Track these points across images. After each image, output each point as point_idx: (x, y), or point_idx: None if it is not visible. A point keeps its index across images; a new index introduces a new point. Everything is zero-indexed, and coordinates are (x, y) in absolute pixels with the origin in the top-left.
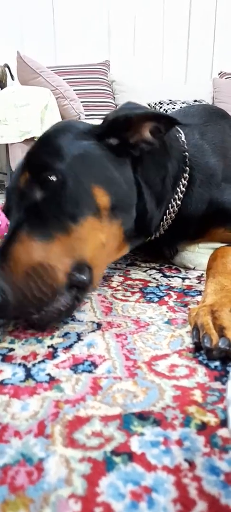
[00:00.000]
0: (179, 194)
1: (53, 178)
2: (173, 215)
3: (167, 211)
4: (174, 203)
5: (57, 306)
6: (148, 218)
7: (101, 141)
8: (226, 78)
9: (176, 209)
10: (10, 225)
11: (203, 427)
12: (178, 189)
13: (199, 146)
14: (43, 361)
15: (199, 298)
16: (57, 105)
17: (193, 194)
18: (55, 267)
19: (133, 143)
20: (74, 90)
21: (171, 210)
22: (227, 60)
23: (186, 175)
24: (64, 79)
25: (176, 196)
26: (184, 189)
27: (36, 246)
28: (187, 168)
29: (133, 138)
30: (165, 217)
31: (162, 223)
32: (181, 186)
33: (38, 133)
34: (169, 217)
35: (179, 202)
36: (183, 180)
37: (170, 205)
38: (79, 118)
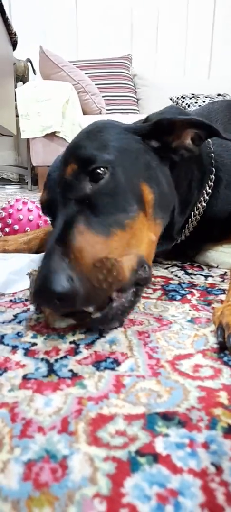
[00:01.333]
0: (205, 196)
1: (103, 170)
2: (199, 217)
3: (192, 213)
4: (199, 205)
5: (122, 302)
6: (171, 224)
7: (144, 141)
8: None
9: (202, 211)
10: (60, 217)
11: (229, 431)
12: (204, 191)
13: (224, 145)
14: (65, 356)
15: (222, 296)
16: (79, 100)
17: (219, 195)
18: (122, 262)
19: (174, 148)
20: (96, 84)
21: (196, 212)
22: None
23: (212, 176)
24: (85, 73)
25: (202, 198)
26: (210, 190)
27: (98, 240)
28: (213, 169)
29: (174, 143)
30: (190, 219)
31: (187, 225)
32: (207, 188)
33: (59, 128)
34: (194, 219)
35: (204, 204)
36: (209, 181)
37: (195, 207)
38: (100, 113)
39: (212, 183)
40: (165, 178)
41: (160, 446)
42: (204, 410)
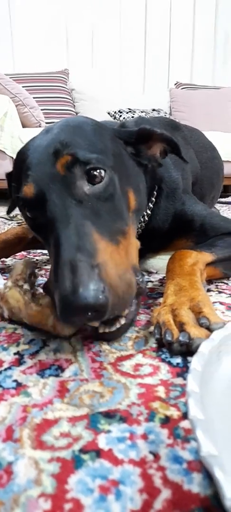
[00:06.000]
0: (150, 205)
1: (101, 173)
2: (143, 225)
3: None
4: (145, 213)
5: (129, 316)
6: None
7: (125, 146)
8: (181, 88)
9: (146, 218)
10: (66, 220)
11: (166, 421)
12: (150, 202)
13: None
14: (9, 368)
15: (161, 299)
16: (17, 113)
17: (160, 206)
18: (130, 271)
19: (148, 157)
20: (34, 97)
21: (142, 220)
22: (182, 71)
23: (156, 188)
24: (23, 86)
25: (147, 209)
26: (154, 200)
27: (113, 249)
28: (157, 181)
29: (148, 152)
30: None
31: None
32: (153, 199)
33: None
34: (139, 226)
35: (149, 212)
36: (154, 193)
37: (142, 217)
38: (40, 126)
39: (155, 193)
40: (141, 184)
41: (102, 442)
42: (144, 405)
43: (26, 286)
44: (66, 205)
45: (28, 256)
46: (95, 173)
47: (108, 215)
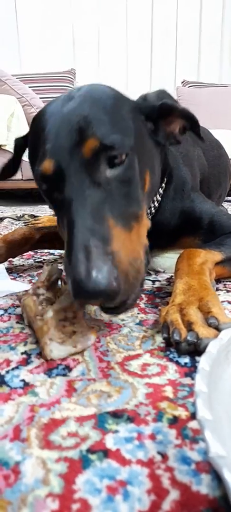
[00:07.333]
0: (160, 190)
1: (123, 157)
2: (150, 217)
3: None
4: (152, 205)
5: (133, 298)
6: None
7: (146, 122)
8: (188, 87)
9: (153, 210)
10: (82, 203)
11: (174, 421)
12: (159, 191)
13: (172, 154)
14: (17, 367)
15: (168, 299)
16: (24, 113)
17: (168, 198)
18: (140, 257)
19: (167, 134)
20: (40, 98)
21: (148, 211)
22: (189, 69)
23: (165, 177)
24: (29, 86)
25: (155, 198)
26: (161, 191)
27: (125, 236)
28: (169, 165)
29: (167, 129)
30: None
31: None
32: (160, 190)
33: (4, 141)
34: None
35: (156, 204)
36: (163, 184)
37: (148, 208)
38: None
39: (164, 186)
40: (157, 166)
41: (110, 442)
42: (151, 405)
43: (48, 294)
44: (85, 187)
45: (51, 260)
46: (117, 157)
47: (124, 198)
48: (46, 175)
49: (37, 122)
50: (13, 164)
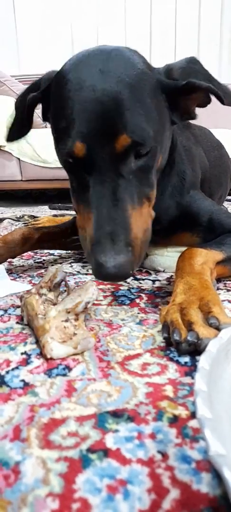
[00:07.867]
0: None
1: (148, 149)
2: None
3: None
4: None
5: (137, 262)
6: None
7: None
8: None
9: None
10: (103, 190)
11: (174, 420)
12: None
13: (176, 148)
14: (17, 367)
15: (169, 298)
16: None
17: (167, 185)
18: (149, 227)
19: (182, 111)
20: None
21: None
22: None
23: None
24: None
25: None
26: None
27: (137, 214)
28: (173, 148)
29: (185, 106)
30: None
31: None
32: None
33: (4, 142)
34: None
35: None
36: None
37: None
38: (46, 127)
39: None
40: (168, 146)
41: (110, 441)
42: (151, 404)
43: (50, 295)
44: (112, 176)
45: (51, 261)
46: (143, 150)
47: (141, 182)
48: (76, 155)
49: (64, 90)
50: (24, 123)
